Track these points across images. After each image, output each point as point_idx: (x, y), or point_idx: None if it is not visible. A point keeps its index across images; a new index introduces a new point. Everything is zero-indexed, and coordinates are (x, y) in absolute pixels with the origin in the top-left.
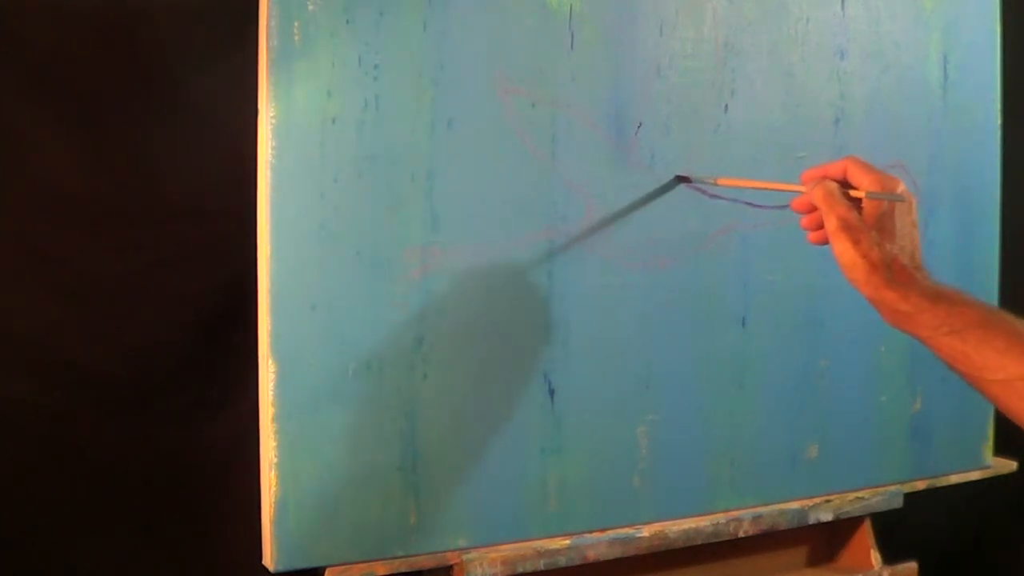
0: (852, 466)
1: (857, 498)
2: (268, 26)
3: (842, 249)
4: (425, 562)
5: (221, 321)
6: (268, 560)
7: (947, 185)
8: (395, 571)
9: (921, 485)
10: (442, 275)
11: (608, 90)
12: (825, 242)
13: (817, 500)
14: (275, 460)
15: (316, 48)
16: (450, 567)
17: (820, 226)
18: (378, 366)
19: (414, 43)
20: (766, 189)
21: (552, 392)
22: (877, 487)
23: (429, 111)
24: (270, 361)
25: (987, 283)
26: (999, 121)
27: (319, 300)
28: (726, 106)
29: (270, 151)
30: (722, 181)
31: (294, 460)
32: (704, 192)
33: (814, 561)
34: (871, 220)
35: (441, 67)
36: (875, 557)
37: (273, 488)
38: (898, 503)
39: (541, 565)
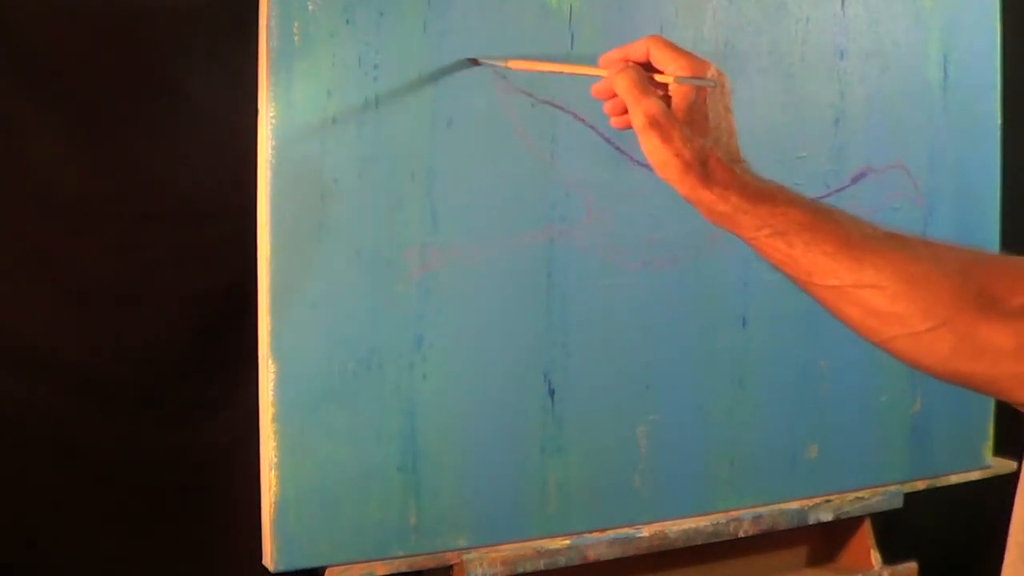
0: (852, 466)
1: (857, 498)
2: (268, 26)
3: (652, 147)
4: (425, 562)
5: (221, 321)
6: (268, 560)
7: (947, 185)
8: (395, 571)
9: (921, 485)
10: (442, 275)
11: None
12: (628, 127)
13: (817, 500)
14: (275, 460)
15: (316, 48)
16: (450, 567)
17: (623, 112)
18: (378, 366)
19: (414, 43)
20: (562, 73)
21: (552, 392)
22: (877, 487)
23: (429, 111)
24: (270, 361)
25: None
26: (999, 121)
27: (319, 300)
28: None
29: (270, 151)
30: (513, 63)
31: (294, 460)
32: (495, 67)
33: (814, 561)
34: (681, 112)
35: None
36: (875, 557)
37: (273, 488)
38: (898, 503)
39: (541, 565)
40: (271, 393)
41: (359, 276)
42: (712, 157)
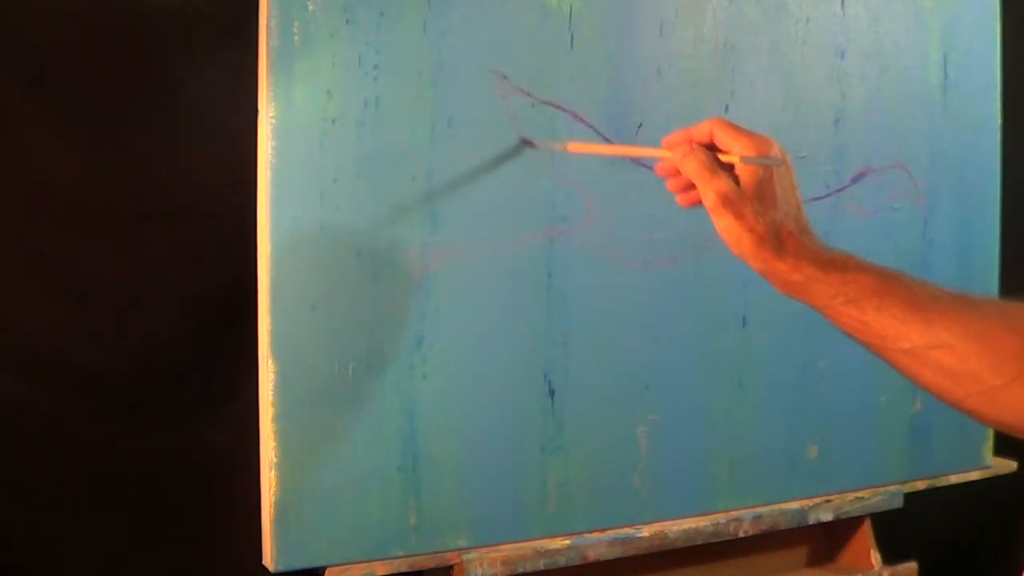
0: (852, 466)
1: (857, 498)
2: (268, 26)
3: (725, 225)
4: (425, 562)
5: (221, 321)
6: (268, 560)
7: (947, 185)
8: (395, 571)
9: (921, 485)
10: (442, 275)
11: (608, 90)
12: (695, 204)
13: (817, 500)
14: (275, 460)
15: (316, 48)
16: (450, 567)
17: (687, 188)
18: (378, 366)
19: (414, 43)
20: (625, 156)
21: (552, 392)
22: (877, 487)
23: (429, 111)
24: (270, 361)
25: (987, 283)
26: (999, 121)
27: (319, 300)
28: (726, 106)
29: (270, 151)
30: (573, 147)
31: (294, 460)
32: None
33: (814, 561)
34: (750, 189)
35: (441, 67)
36: (875, 557)
37: (273, 488)
38: (898, 503)
39: (541, 565)
40: (271, 393)
41: (359, 276)
42: (784, 230)
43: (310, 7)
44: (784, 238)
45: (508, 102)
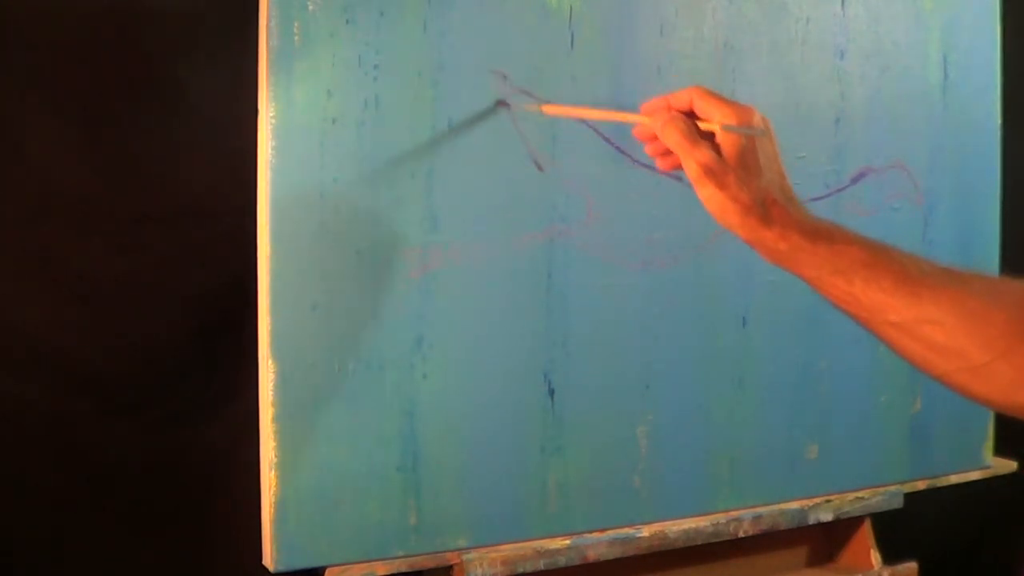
0: (852, 466)
1: (857, 498)
2: (268, 26)
3: (708, 195)
4: (425, 562)
5: (221, 321)
6: (268, 560)
7: (947, 185)
8: (395, 571)
9: (921, 485)
10: (442, 275)
11: (608, 90)
12: (674, 168)
13: (817, 500)
14: (275, 460)
15: (316, 48)
16: (450, 567)
17: (667, 152)
18: (378, 366)
19: (414, 43)
20: (602, 120)
21: (552, 392)
22: (877, 487)
23: (429, 111)
24: (270, 361)
25: None
26: (999, 121)
27: (319, 300)
28: None
29: (270, 151)
30: (548, 108)
31: (294, 460)
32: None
33: (814, 561)
34: (733, 157)
35: (441, 67)
36: (875, 557)
37: (273, 488)
38: (898, 503)
39: (541, 565)
40: (271, 393)
41: (359, 276)
42: (769, 198)
43: (310, 7)
44: (769, 206)
45: (508, 102)
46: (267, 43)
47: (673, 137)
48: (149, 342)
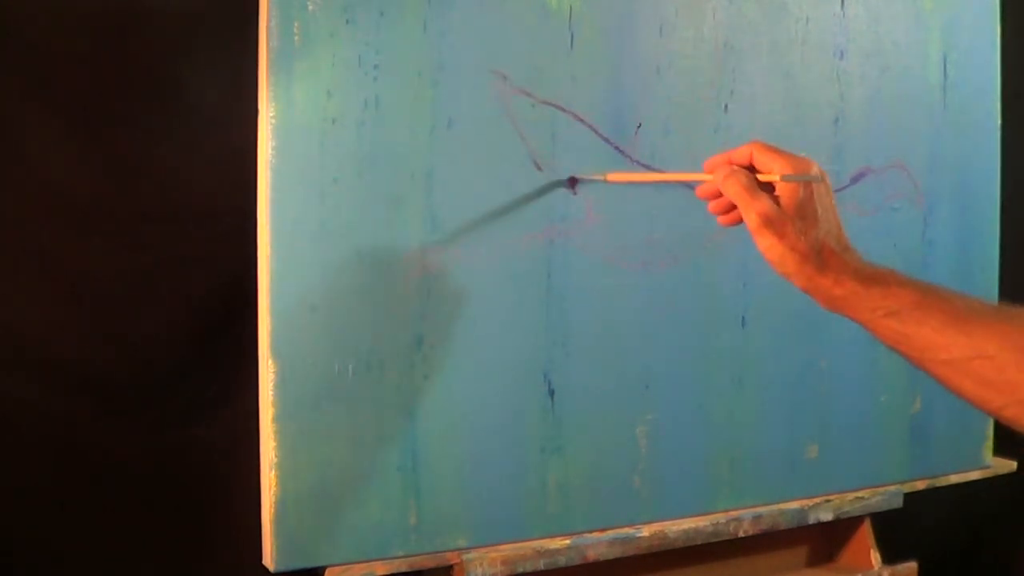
0: (852, 466)
1: (857, 498)
2: (268, 26)
3: (768, 244)
4: (425, 562)
5: (221, 321)
6: (268, 560)
7: (947, 185)
8: (395, 571)
9: (921, 485)
10: (442, 275)
11: (608, 90)
12: (735, 223)
13: (817, 500)
14: (275, 460)
15: (316, 48)
16: (450, 567)
17: (728, 210)
18: (378, 366)
19: (414, 43)
20: (664, 182)
21: (552, 392)
22: (877, 487)
23: (429, 111)
24: (270, 361)
25: (987, 283)
26: (999, 121)
27: (319, 300)
28: (726, 106)
29: (270, 151)
30: (612, 177)
31: (294, 460)
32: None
33: (814, 561)
34: (791, 208)
35: (441, 67)
36: (875, 557)
37: (273, 488)
38: (898, 503)
39: (541, 565)
40: (271, 393)
41: (359, 276)
42: (826, 247)
43: (310, 7)
44: (826, 255)
45: (508, 102)
46: (267, 43)
47: (733, 188)
48: (149, 342)
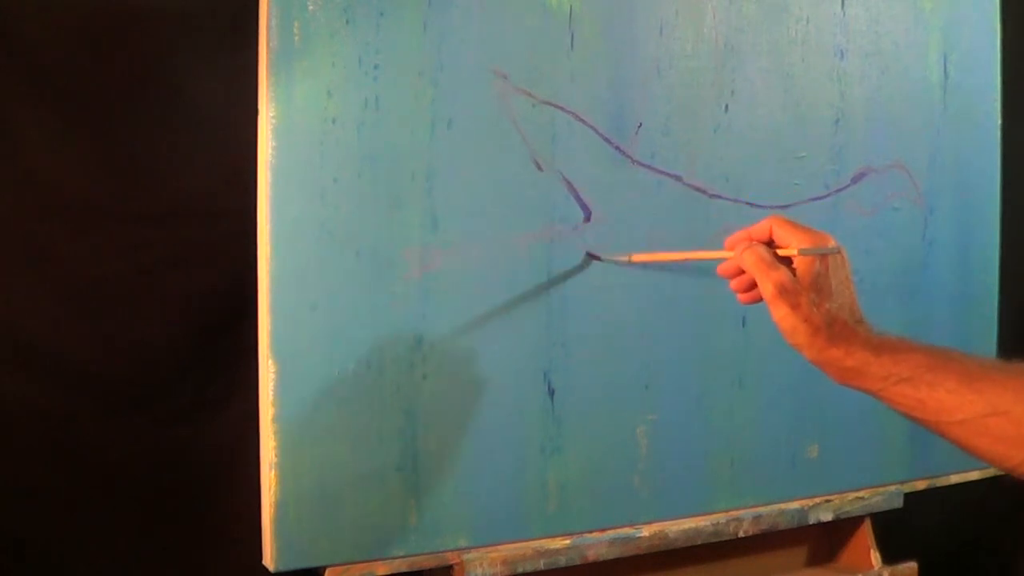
0: (852, 466)
1: (857, 498)
2: (268, 26)
3: (782, 315)
4: (425, 562)
5: (221, 321)
6: (268, 560)
7: (947, 185)
8: (395, 571)
9: (921, 485)
10: (442, 275)
11: (608, 90)
12: (755, 301)
13: (817, 500)
14: (275, 460)
15: (316, 48)
16: (450, 567)
17: (749, 288)
18: (378, 366)
19: (414, 43)
20: (686, 260)
21: (552, 392)
22: (877, 487)
23: (429, 111)
24: (270, 361)
25: (987, 283)
26: (999, 121)
27: (319, 300)
28: (726, 106)
29: (270, 151)
30: (636, 257)
31: (294, 460)
32: (618, 262)
33: (814, 561)
34: (806, 281)
35: (441, 67)
36: (875, 557)
37: (273, 488)
38: (898, 503)
39: (541, 565)
40: (271, 393)
41: (359, 276)
42: (838, 320)
43: (310, 7)
44: (838, 328)
45: (508, 102)
46: (267, 43)
47: (751, 261)
48: (149, 342)
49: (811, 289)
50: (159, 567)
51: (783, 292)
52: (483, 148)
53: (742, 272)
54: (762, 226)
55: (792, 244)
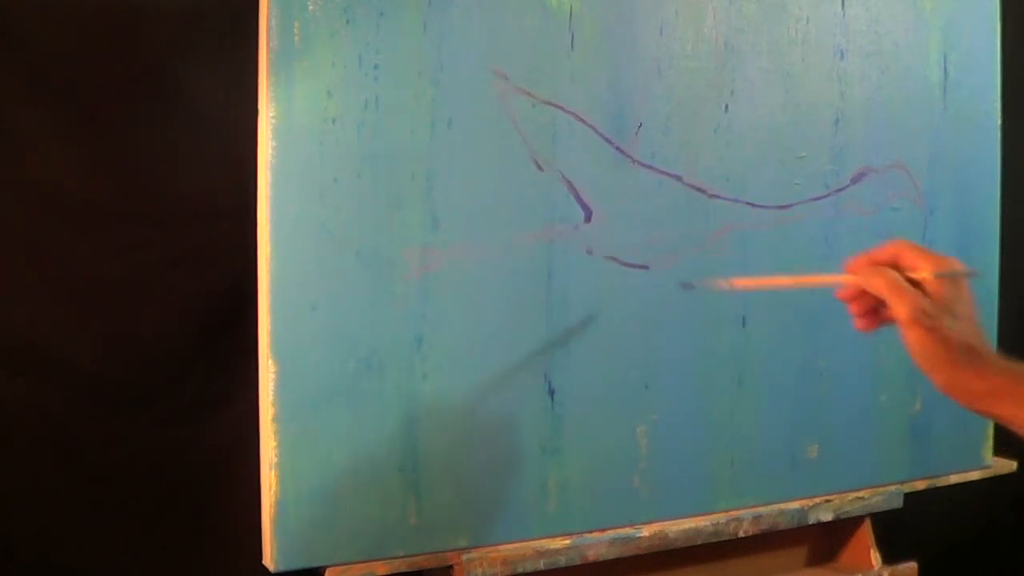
0: (852, 466)
1: (857, 498)
2: (268, 26)
3: (918, 337)
4: (425, 562)
5: (221, 321)
6: (268, 560)
7: (947, 185)
8: (395, 571)
9: (921, 485)
10: (442, 275)
11: (608, 90)
12: (874, 327)
13: (817, 500)
14: (275, 460)
15: (316, 48)
16: (450, 567)
17: (867, 312)
18: (378, 366)
19: (414, 43)
20: (801, 286)
21: (552, 392)
22: (877, 487)
23: (429, 111)
24: (270, 361)
25: (987, 283)
26: (999, 121)
27: (319, 300)
28: (726, 106)
29: (270, 151)
30: (738, 283)
31: (294, 460)
32: (713, 287)
33: (814, 561)
34: (940, 304)
35: (441, 67)
36: (875, 557)
37: (273, 488)
38: (898, 503)
39: (541, 565)
40: (271, 393)
41: (359, 276)
42: (973, 344)
43: (310, 7)
44: (973, 353)
45: (508, 102)
46: (267, 43)
47: (883, 283)
48: (149, 342)
49: (945, 313)
50: (159, 567)
51: (921, 315)
52: (483, 148)
53: (860, 295)
54: (885, 251)
55: (924, 268)
